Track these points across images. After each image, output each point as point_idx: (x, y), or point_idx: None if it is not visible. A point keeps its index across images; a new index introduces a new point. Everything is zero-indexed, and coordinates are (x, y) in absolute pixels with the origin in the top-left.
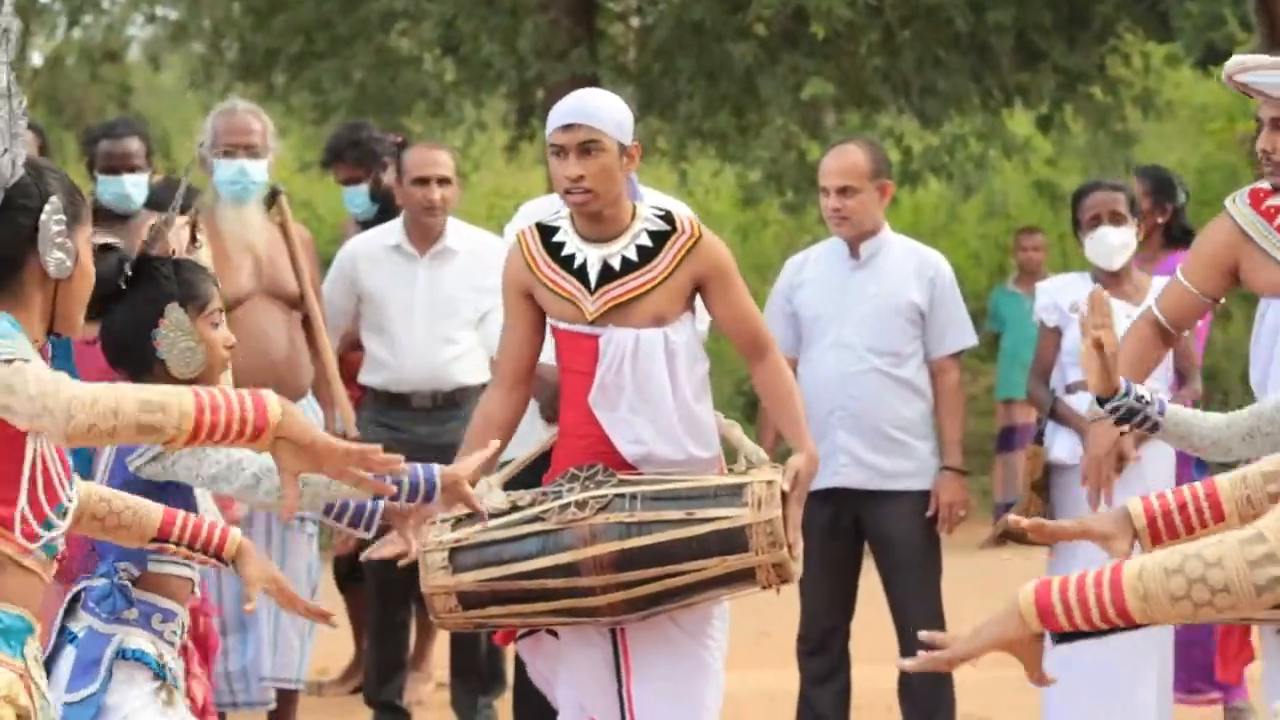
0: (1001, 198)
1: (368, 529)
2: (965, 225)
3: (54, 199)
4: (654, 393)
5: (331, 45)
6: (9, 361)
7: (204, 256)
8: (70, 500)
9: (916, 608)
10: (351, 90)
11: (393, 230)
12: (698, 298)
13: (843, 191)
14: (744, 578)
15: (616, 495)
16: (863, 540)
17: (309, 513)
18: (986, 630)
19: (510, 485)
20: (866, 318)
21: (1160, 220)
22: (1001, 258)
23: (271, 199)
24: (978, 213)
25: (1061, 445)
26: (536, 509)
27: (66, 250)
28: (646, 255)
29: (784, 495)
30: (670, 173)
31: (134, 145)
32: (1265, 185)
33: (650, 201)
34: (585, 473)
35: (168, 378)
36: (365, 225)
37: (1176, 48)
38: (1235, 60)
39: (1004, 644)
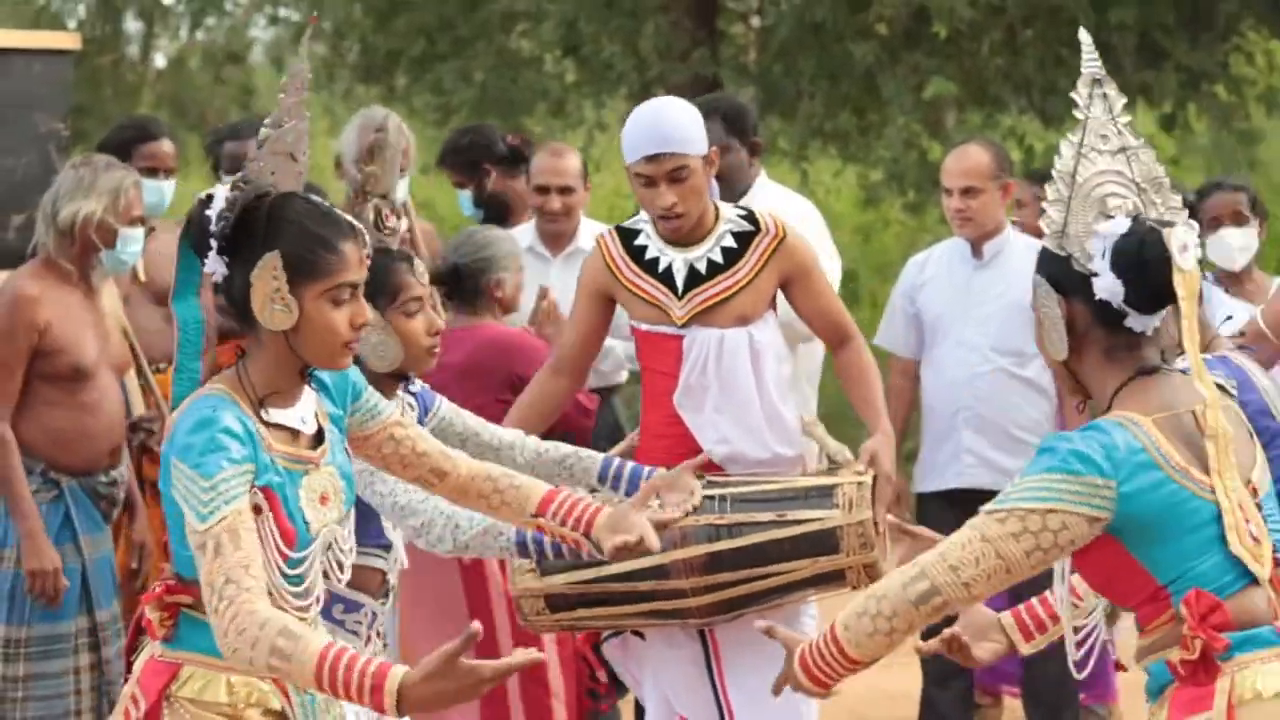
0: None
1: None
2: None
3: (269, 255)
4: (739, 392)
5: (453, 46)
6: (203, 532)
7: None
8: (295, 566)
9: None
10: (473, 91)
11: (527, 231)
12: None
13: (966, 192)
14: (834, 578)
15: (706, 497)
16: None
17: None
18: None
19: None
20: (990, 317)
21: None
22: None
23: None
24: None
25: None
26: None
27: (286, 304)
28: (732, 257)
29: (873, 489)
30: (792, 173)
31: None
32: None
33: (770, 196)
34: None
35: (368, 373)
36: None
37: None
38: None
39: (791, 680)
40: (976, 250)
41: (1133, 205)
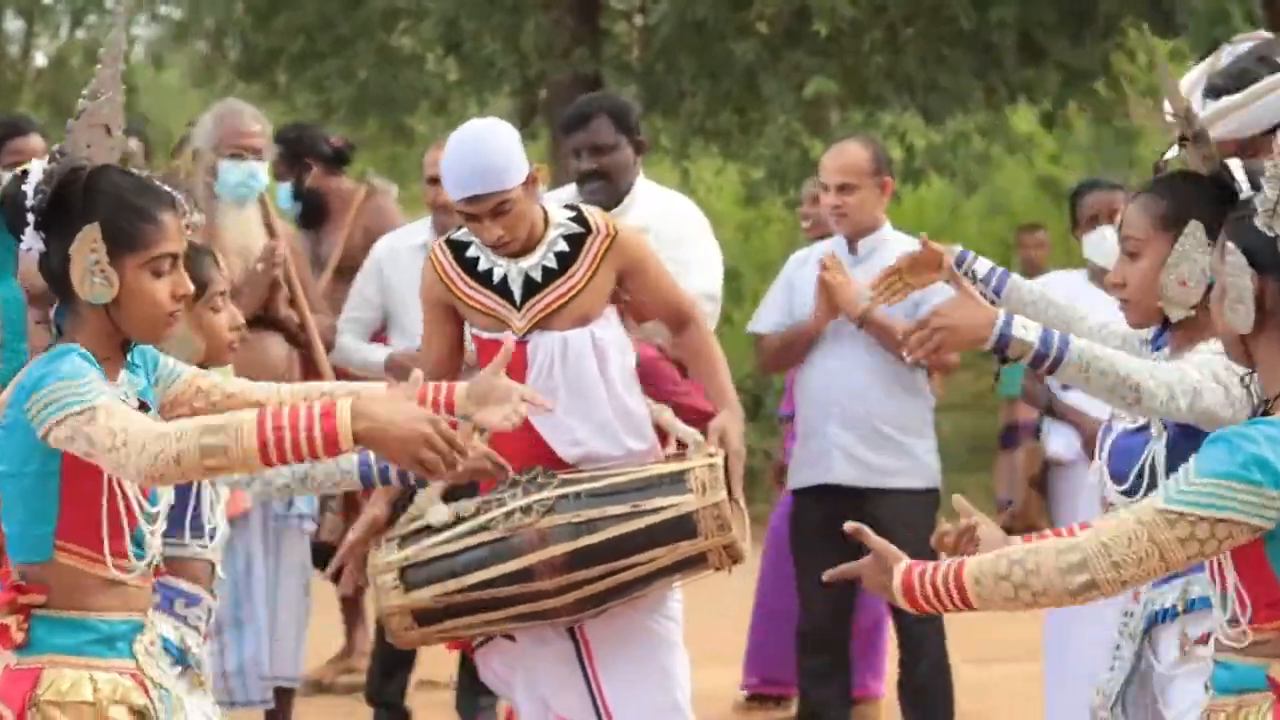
0: (1004, 195)
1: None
2: (968, 222)
3: (87, 228)
4: (587, 392)
5: (334, 44)
6: (80, 412)
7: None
8: (150, 522)
9: None
10: (354, 89)
11: (421, 229)
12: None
13: (842, 189)
14: (696, 562)
15: (561, 496)
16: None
17: (305, 509)
18: (863, 568)
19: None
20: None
21: None
22: (1005, 255)
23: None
24: (981, 210)
25: (1058, 441)
26: (482, 518)
27: (106, 276)
28: (566, 261)
29: (725, 469)
30: (673, 171)
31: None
32: None
33: (652, 197)
34: (526, 477)
35: None
36: (298, 223)
37: (1181, 43)
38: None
39: (869, 582)
40: (852, 247)
41: None
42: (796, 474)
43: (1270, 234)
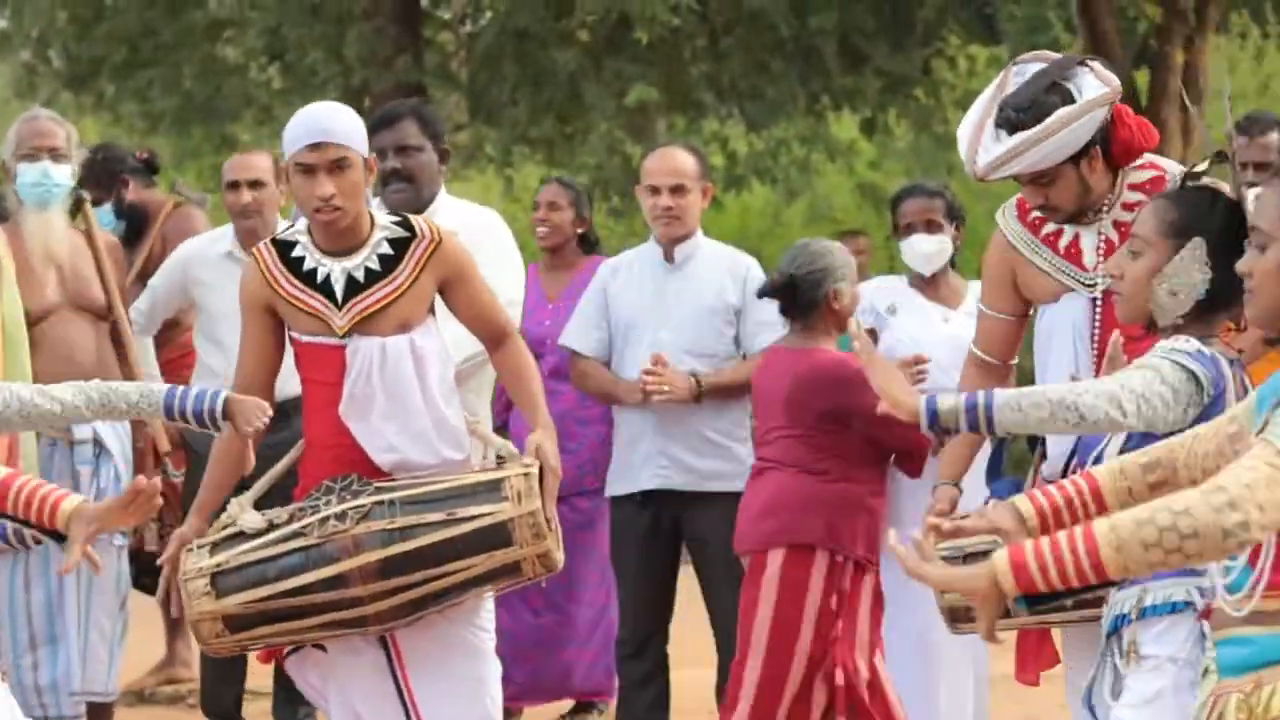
0: (826, 201)
1: (216, 428)
2: (790, 229)
3: None
4: (404, 399)
5: (157, 54)
6: None
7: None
8: None
9: (732, 611)
10: (178, 99)
11: (224, 237)
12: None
13: (676, 190)
14: (510, 571)
15: (376, 503)
16: (680, 543)
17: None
18: (958, 572)
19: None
20: (683, 321)
21: (580, 230)
22: None
23: (76, 207)
24: (802, 216)
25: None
26: (295, 525)
27: None
28: (389, 264)
29: (540, 480)
30: (497, 179)
31: None
32: None
33: (454, 209)
34: (341, 484)
35: None
36: (122, 242)
37: (1001, 51)
38: (983, 165)
39: (969, 589)
40: (669, 254)
41: None
42: (618, 482)
43: None
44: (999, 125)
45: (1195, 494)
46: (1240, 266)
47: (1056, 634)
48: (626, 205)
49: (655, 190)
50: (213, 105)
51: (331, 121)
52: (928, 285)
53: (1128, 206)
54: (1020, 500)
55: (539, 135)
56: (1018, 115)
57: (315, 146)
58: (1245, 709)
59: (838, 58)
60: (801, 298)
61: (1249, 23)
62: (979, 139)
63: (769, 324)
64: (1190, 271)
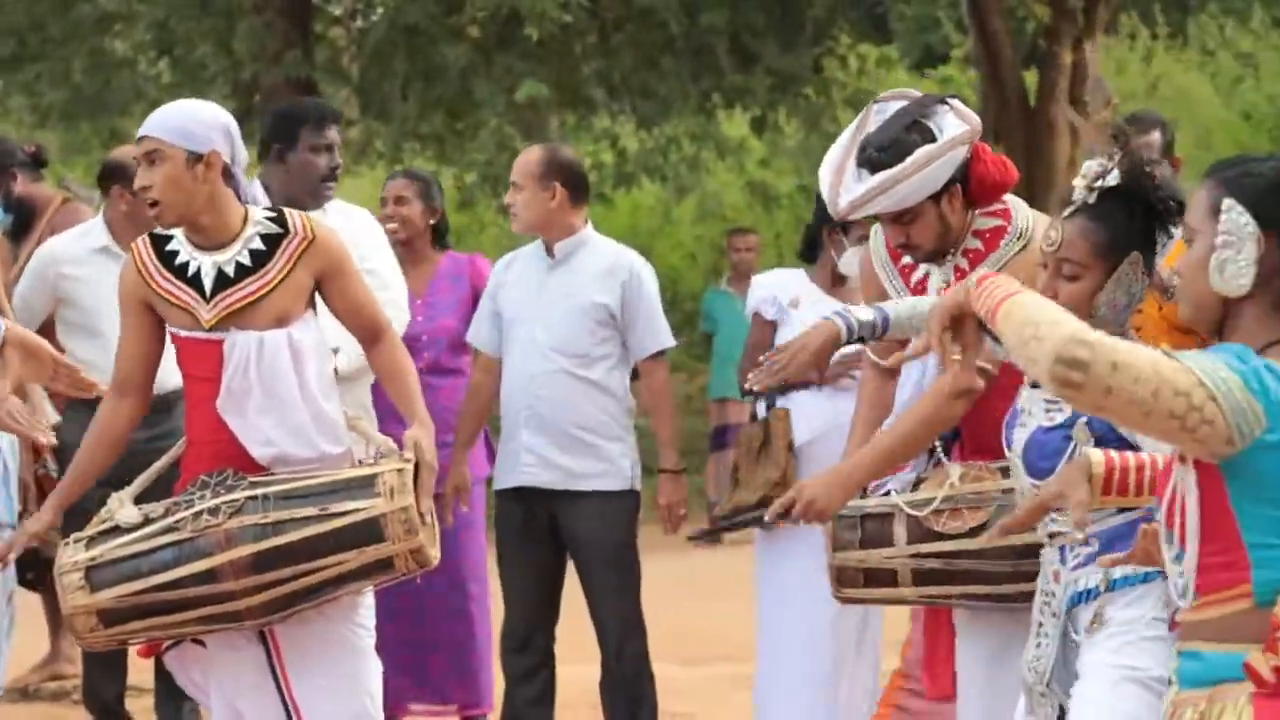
0: (716, 199)
1: None
2: (681, 227)
3: None
4: (282, 393)
5: (45, 48)
6: None
7: None
8: None
9: (610, 608)
10: (67, 93)
11: (95, 231)
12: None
13: (514, 187)
14: (383, 567)
15: (249, 498)
16: (561, 540)
17: (3, 517)
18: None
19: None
20: (556, 319)
21: (432, 221)
22: (717, 259)
23: None
24: (692, 214)
25: (800, 426)
26: (170, 519)
27: None
28: (260, 259)
29: (416, 475)
30: (387, 175)
31: None
32: None
33: (334, 208)
34: (216, 479)
35: None
36: (8, 235)
37: (890, 50)
38: (845, 204)
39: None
40: (550, 250)
41: None
42: (497, 476)
43: None
44: (860, 165)
45: (1072, 322)
46: (1044, 292)
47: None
48: None
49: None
50: (101, 99)
51: (155, 115)
52: (833, 281)
53: (968, 252)
54: (1093, 451)
55: (429, 131)
56: (879, 154)
57: (139, 140)
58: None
59: (728, 56)
60: None
61: (1138, 24)
62: (840, 179)
63: (653, 325)
64: (1130, 284)
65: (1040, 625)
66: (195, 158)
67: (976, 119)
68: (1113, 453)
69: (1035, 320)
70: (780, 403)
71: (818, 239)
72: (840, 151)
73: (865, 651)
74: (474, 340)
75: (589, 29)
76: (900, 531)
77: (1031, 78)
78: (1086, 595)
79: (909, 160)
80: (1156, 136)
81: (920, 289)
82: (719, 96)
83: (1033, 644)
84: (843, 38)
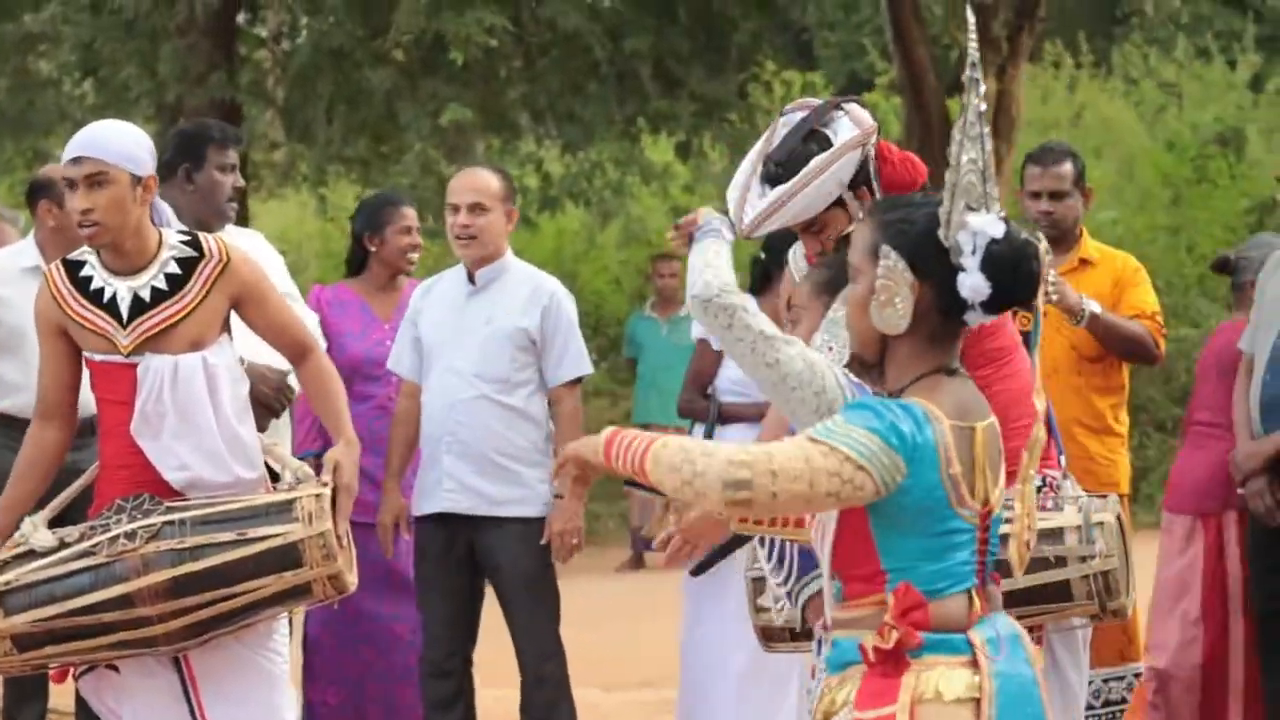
0: (640, 224)
1: None
2: (606, 252)
3: None
4: (196, 417)
5: None
6: None
7: None
8: None
9: (529, 633)
10: None
11: (27, 251)
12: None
13: (474, 209)
14: (301, 593)
15: (166, 523)
16: (480, 566)
17: None
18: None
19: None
20: (477, 345)
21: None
22: (641, 284)
23: None
24: (617, 239)
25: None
26: (86, 544)
27: None
28: (176, 283)
29: (334, 500)
30: (311, 197)
31: None
32: None
33: (230, 234)
34: (132, 503)
35: None
36: None
37: (816, 76)
38: (748, 223)
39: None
40: (471, 276)
41: (981, 194)
42: (417, 502)
43: (946, 243)
44: (763, 180)
45: (729, 446)
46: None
47: None
48: (441, 226)
49: (455, 209)
50: (25, 119)
51: (96, 137)
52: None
53: None
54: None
55: (354, 154)
56: (777, 169)
57: (75, 161)
58: (829, 700)
59: (653, 81)
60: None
61: (1062, 52)
62: (745, 196)
63: (572, 351)
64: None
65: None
66: (136, 180)
67: (870, 120)
68: (621, 434)
69: (689, 456)
70: (718, 434)
71: (769, 271)
72: (747, 168)
73: (796, 674)
74: (395, 367)
75: (514, 53)
76: None
77: (956, 106)
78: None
79: (803, 171)
80: (1068, 167)
81: None
82: (644, 121)
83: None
84: (768, 64)
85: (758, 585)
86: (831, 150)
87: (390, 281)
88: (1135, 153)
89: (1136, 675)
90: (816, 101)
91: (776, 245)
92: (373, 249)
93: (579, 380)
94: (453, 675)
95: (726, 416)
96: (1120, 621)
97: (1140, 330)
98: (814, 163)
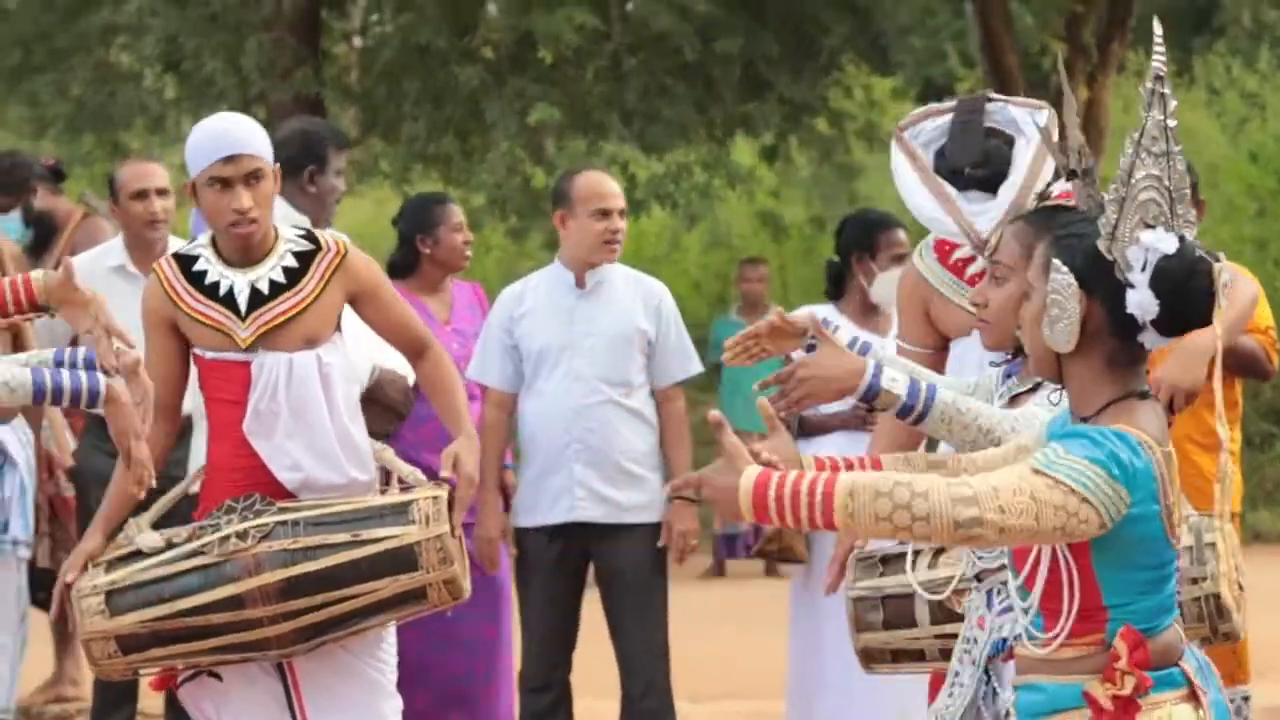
0: (725, 228)
1: (91, 406)
2: (688, 255)
3: None
4: (310, 416)
5: (50, 58)
6: None
7: None
8: None
9: (642, 640)
10: (69, 105)
11: (113, 251)
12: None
13: (622, 214)
14: (415, 598)
15: (279, 523)
16: (585, 575)
17: (20, 535)
18: (708, 472)
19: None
20: (598, 348)
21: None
22: (722, 288)
23: None
24: (701, 243)
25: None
26: (195, 543)
27: None
28: (294, 276)
29: (450, 505)
30: (393, 195)
31: None
32: None
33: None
34: (242, 504)
35: None
36: (28, 251)
37: (899, 81)
38: (987, 227)
39: (711, 487)
40: (580, 280)
41: (1164, 214)
42: (532, 513)
43: (1108, 257)
44: (965, 189)
45: (941, 482)
46: (974, 296)
47: None
48: (524, 226)
49: (605, 214)
50: (104, 113)
51: (245, 133)
52: (863, 313)
53: None
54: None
55: (437, 152)
56: (983, 173)
57: (231, 159)
58: None
59: (739, 84)
60: None
61: (1145, 62)
62: (952, 209)
63: (683, 351)
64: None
65: (956, 675)
66: (274, 173)
67: (1039, 102)
68: (773, 473)
69: (900, 502)
70: (802, 448)
71: (843, 273)
72: (917, 183)
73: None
74: (481, 377)
75: (601, 53)
76: (923, 612)
77: None
78: (1006, 644)
79: (1019, 167)
80: None
81: (976, 281)
82: (726, 124)
83: (945, 693)
84: (850, 69)
85: (859, 605)
86: (1036, 139)
87: (442, 281)
88: (1218, 163)
89: (1245, 699)
90: (940, 107)
91: (849, 244)
92: (426, 250)
93: (684, 381)
94: (553, 688)
95: (808, 428)
96: (1231, 644)
97: (1254, 346)
98: (1028, 155)
